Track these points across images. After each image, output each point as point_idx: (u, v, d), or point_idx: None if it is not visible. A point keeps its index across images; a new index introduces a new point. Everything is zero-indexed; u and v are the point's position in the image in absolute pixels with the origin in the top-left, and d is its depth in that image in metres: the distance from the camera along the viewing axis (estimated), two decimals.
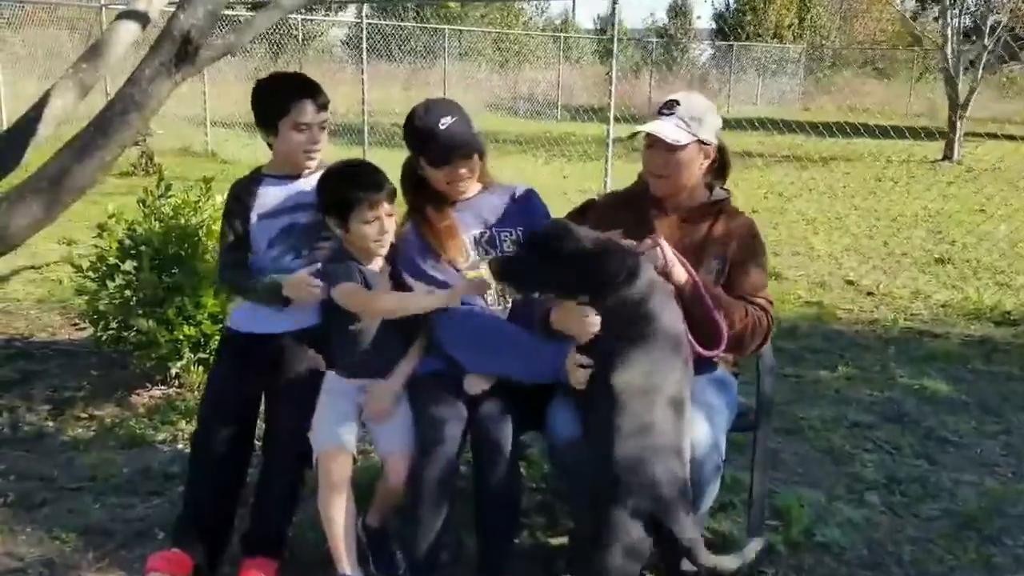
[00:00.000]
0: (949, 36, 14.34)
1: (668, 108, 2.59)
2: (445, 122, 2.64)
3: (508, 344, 2.60)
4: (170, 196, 4.13)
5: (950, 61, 14.24)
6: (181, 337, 3.81)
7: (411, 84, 19.66)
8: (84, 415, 3.86)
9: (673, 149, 2.55)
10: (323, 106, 2.79)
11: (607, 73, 7.96)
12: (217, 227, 3.98)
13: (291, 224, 2.81)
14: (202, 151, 13.59)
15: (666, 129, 2.54)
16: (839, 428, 3.99)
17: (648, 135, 2.57)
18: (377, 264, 2.67)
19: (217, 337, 3.90)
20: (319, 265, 2.72)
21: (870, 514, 3.22)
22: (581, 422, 2.45)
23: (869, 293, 6.42)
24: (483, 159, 2.76)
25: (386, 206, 2.61)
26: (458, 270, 2.68)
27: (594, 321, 2.35)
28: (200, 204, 4.11)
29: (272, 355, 2.74)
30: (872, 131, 10.02)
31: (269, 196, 2.82)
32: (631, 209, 2.71)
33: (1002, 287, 6.57)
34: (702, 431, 2.45)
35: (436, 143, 2.64)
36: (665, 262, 2.45)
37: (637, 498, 2.20)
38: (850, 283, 6.66)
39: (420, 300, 2.61)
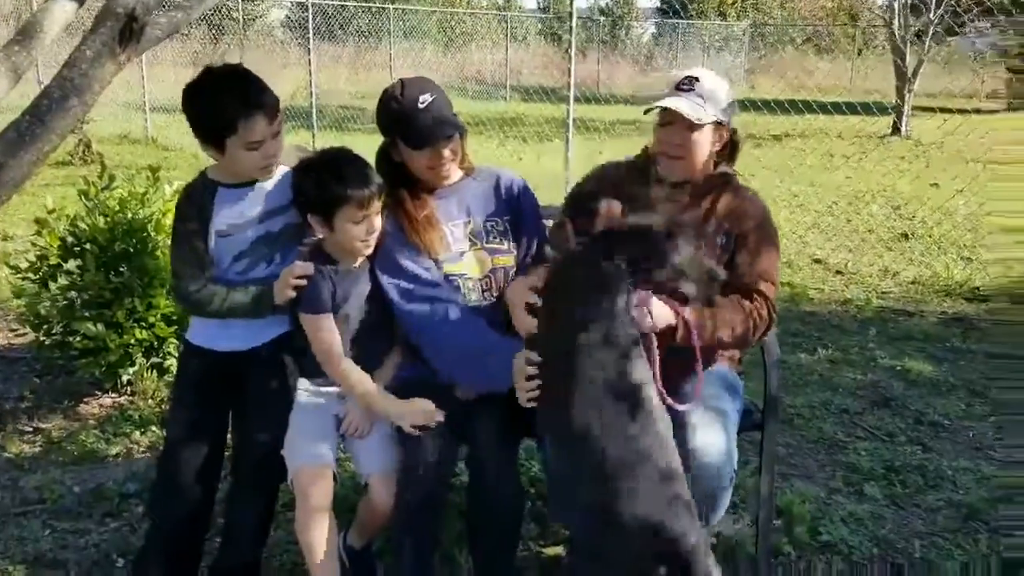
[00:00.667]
0: (896, 9, 14.39)
1: (687, 84, 2.40)
2: (424, 100, 2.40)
3: (495, 355, 2.33)
4: (114, 188, 3.82)
5: (897, 35, 14.30)
6: (132, 341, 3.52)
7: (357, 66, 19.24)
8: (28, 428, 3.55)
9: (692, 128, 2.37)
10: (276, 113, 2.33)
11: (566, 50, 7.73)
12: (167, 220, 3.71)
13: (264, 235, 2.44)
14: (142, 138, 13.08)
15: (686, 107, 2.35)
16: (828, 416, 3.87)
17: (666, 111, 2.38)
18: (359, 261, 2.42)
19: (172, 341, 3.63)
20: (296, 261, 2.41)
21: (873, 508, 3.09)
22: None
23: (838, 272, 6.33)
24: (463, 140, 2.53)
25: (376, 203, 2.34)
26: (439, 263, 2.45)
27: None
28: (148, 196, 3.81)
29: (239, 370, 2.45)
30: (822, 107, 10.02)
31: (231, 209, 2.41)
32: (632, 182, 2.50)
33: (968, 262, 6.53)
34: (717, 441, 2.27)
35: (417, 123, 2.40)
36: (652, 323, 2.20)
37: (629, 535, 1.93)
38: (818, 262, 6.57)
39: (368, 388, 2.35)
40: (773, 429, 2.62)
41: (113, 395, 3.79)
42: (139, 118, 13.42)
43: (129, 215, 3.68)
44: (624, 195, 2.46)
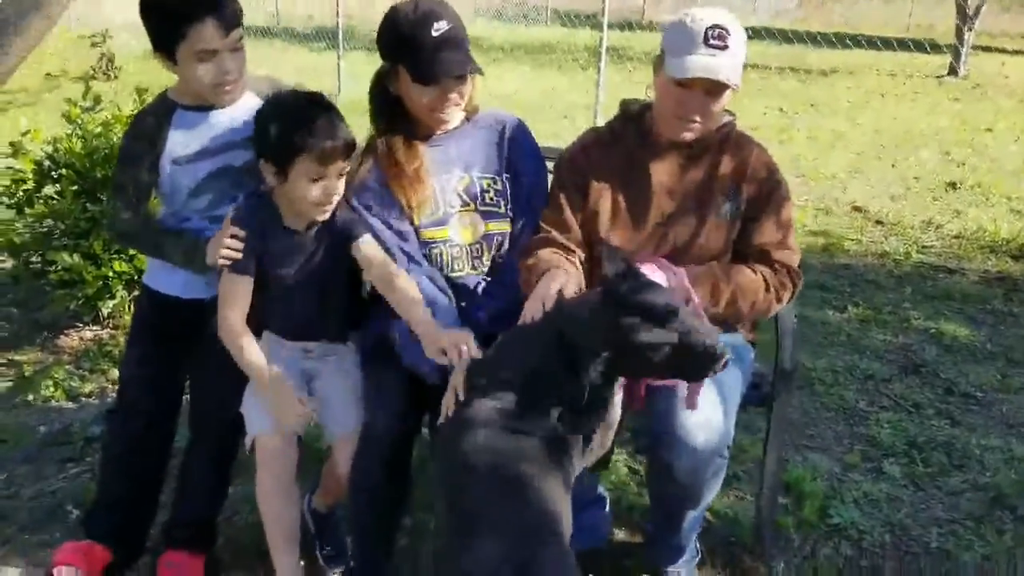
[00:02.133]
0: None
1: (719, 40, 1.99)
2: (440, 28, 2.05)
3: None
4: (100, 110, 3.60)
5: None
6: (111, 274, 3.33)
7: None
8: (2, 361, 3.40)
9: (718, 94, 2.03)
10: (232, 23, 2.06)
11: None
12: None
13: (224, 167, 2.21)
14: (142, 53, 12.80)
15: (727, 70, 1.99)
16: (852, 381, 3.60)
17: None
18: (305, 224, 2.12)
19: None
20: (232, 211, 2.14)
21: (891, 488, 2.84)
22: None
23: (878, 221, 5.96)
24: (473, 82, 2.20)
25: (340, 162, 2.03)
26: (417, 228, 2.18)
27: None
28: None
29: (197, 318, 2.23)
30: (871, 43, 9.38)
31: (188, 133, 2.17)
32: (621, 152, 2.22)
33: (1017, 215, 6.12)
34: (712, 418, 2.00)
35: (427, 53, 2.05)
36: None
37: None
38: (857, 210, 6.20)
39: (258, 370, 2.10)
40: (782, 405, 2.37)
41: (95, 328, 3.63)
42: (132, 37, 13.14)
43: (114, 139, 3.46)
44: (616, 160, 2.21)
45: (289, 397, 2.10)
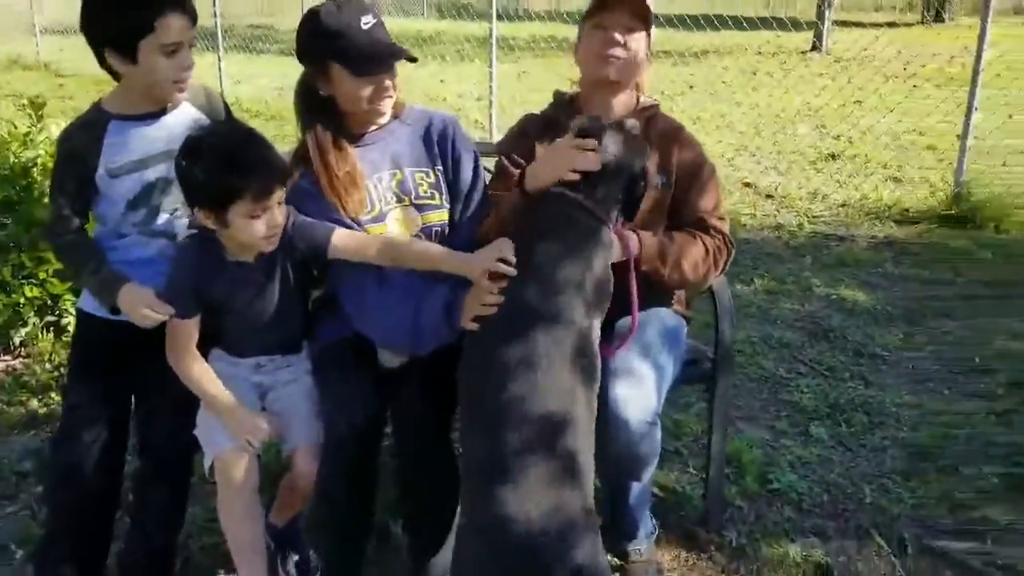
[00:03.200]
0: None
1: None
2: (368, 21, 2.05)
3: (422, 311, 2.08)
4: None
5: None
6: (22, 301, 3.18)
7: None
8: None
9: (633, 28, 2.23)
10: (194, 16, 2.06)
11: None
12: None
13: (161, 177, 2.15)
14: (33, 63, 12.17)
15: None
16: (769, 351, 3.78)
17: (606, 4, 2.22)
18: (253, 255, 2.07)
19: (68, 298, 3.30)
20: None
21: (820, 450, 3.01)
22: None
23: (768, 196, 6.24)
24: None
25: (278, 193, 1.97)
26: (360, 223, 2.17)
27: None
28: (31, 136, 3.41)
29: (140, 340, 2.14)
30: (737, 23, 9.81)
31: (124, 144, 2.10)
32: (558, 131, 2.29)
33: (896, 183, 6.51)
34: (644, 401, 2.10)
35: (362, 45, 2.04)
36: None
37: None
38: (748, 185, 6.47)
39: (218, 394, 2.08)
40: (726, 383, 2.48)
41: (6, 358, 3.46)
42: (29, 41, 12.47)
43: (10, 159, 3.29)
44: (551, 140, 2.28)
45: (248, 417, 2.08)
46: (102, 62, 2.05)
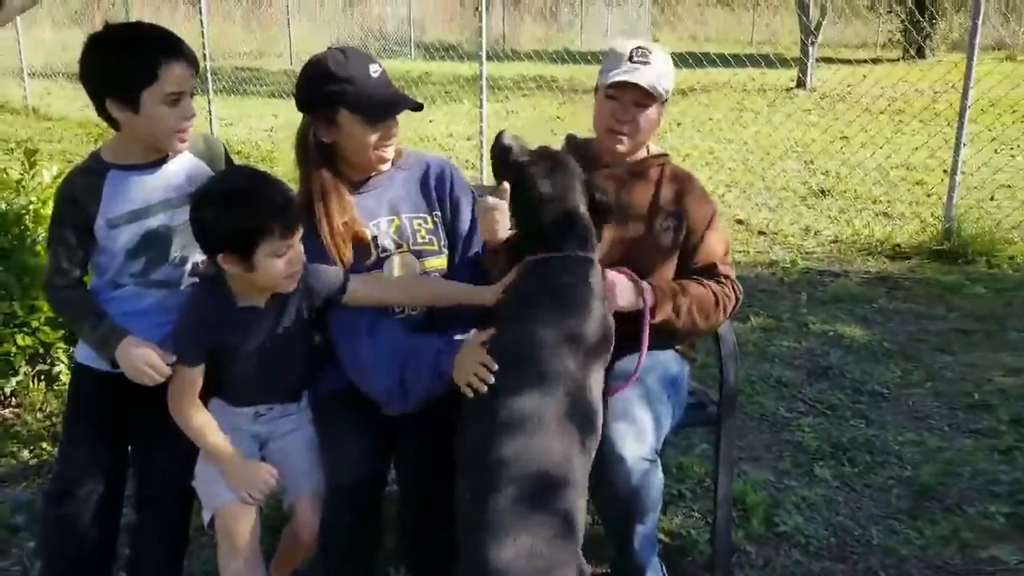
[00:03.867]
0: None
1: (642, 57, 2.25)
2: (376, 70, 2.11)
3: (410, 362, 2.07)
4: None
5: None
6: (14, 350, 3.13)
7: (251, 22, 18.37)
8: None
9: (646, 104, 2.26)
10: (196, 65, 2.04)
11: (475, 9, 7.36)
12: (47, 211, 3.31)
13: (161, 226, 2.10)
14: (20, 107, 12.16)
15: (649, 78, 2.23)
16: (768, 389, 3.76)
17: (620, 84, 2.23)
18: (264, 299, 2.06)
19: (60, 347, 3.25)
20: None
21: (825, 492, 2.98)
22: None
23: (760, 232, 6.26)
24: None
25: (299, 229, 1.98)
26: (359, 271, 2.16)
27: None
28: (23, 183, 3.39)
29: (138, 393, 2.08)
30: (724, 60, 9.92)
31: (124, 193, 2.06)
32: None
33: (886, 218, 6.54)
34: (641, 437, 2.09)
35: (372, 93, 2.09)
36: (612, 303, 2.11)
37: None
38: (740, 222, 6.49)
39: (220, 445, 2.04)
40: (731, 427, 2.45)
41: None
42: (16, 86, 12.48)
43: (2, 206, 3.26)
44: None
45: (251, 469, 2.04)
46: (101, 111, 2.02)
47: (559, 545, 1.74)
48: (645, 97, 2.25)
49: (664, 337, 2.25)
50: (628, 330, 2.09)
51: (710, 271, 2.31)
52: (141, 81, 1.95)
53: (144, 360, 1.98)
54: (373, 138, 2.12)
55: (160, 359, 1.99)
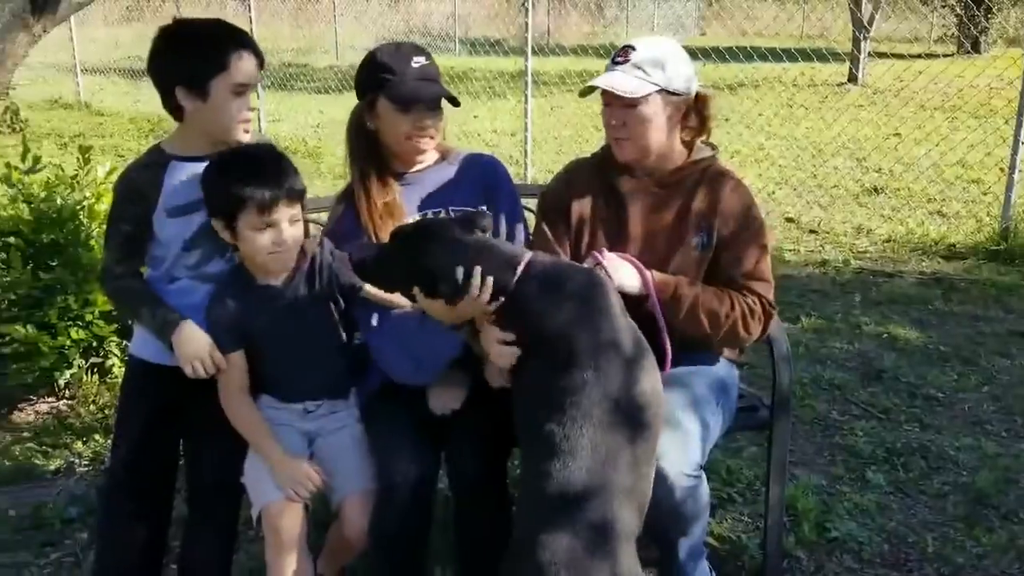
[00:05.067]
0: None
1: (622, 56, 2.13)
2: (419, 61, 2.17)
3: (427, 334, 2.09)
4: (39, 170, 3.44)
5: None
6: (68, 343, 3.18)
7: (299, 19, 18.53)
8: None
9: (632, 104, 2.10)
10: (262, 59, 2.09)
11: (522, 4, 7.35)
12: (101, 206, 3.37)
13: None
14: (74, 102, 12.41)
15: (619, 80, 2.09)
16: (820, 392, 3.69)
17: (592, 89, 2.15)
18: (281, 278, 2.10)
19: (113, 340, 3.30)
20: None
21: (878, 497, 2.91)
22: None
23: (811, 231, 6.16)
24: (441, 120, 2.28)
25: (284, 209, 2.00)
26: None
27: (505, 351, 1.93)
28: (78, 179, 3.44)
29: (190, 385, 2.10)
30: (774, 54, 9.72)
31: (184, 184, 2.08)
32: (600, 176, 2.28)
33: (941, 217, 6.40)
34: (685, 452, 2.01)
35: (407, 80, 2.15)
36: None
37: None
38: (790, 220, 6.39)
39: (268, 441, 2.08)
40: (783, 432, 2.39)
41: (50, 400, 3.46)
42: (70, 81, 12.73)
43: (57, 201, 3.31)
44: (597, 192, 2.27)
45: (298, 467, 2.05)
46: (168, 101, 2.06)
47: (598, 553, 1.70)
48: (633, 99, 2.09)
49: (703, 344, 2.18)
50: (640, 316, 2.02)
51: (731, 283, 2.17)
52: (212, 70, 2.00)
53: (200, 351, 2.01)
54: (406, 127, 2.19)
55: (213, 353, 2.02)
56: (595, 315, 1.86)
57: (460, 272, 1.87)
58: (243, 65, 2.02)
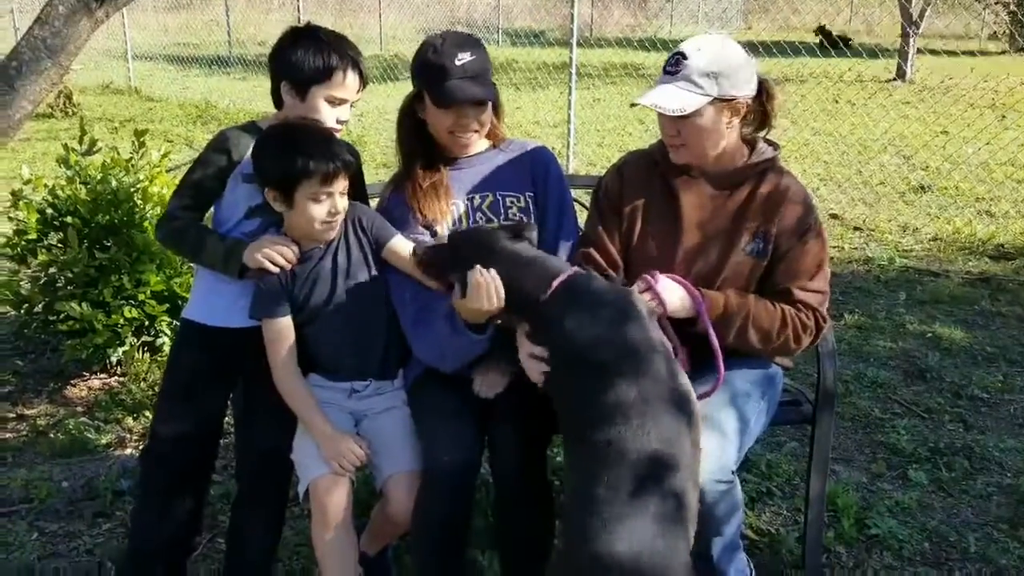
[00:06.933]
0: None
1: (673, 66, 2.08)
2: (462, 58, 2.18)
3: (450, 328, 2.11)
4: (96, 152, 3.53)
5: None
6: (121, 321, 3.26)
7: (344, 9, 18.65)
8: (11, 415, 3.31)
9: (684, 116, 2.06)
10: (365, 82, 2.23)
11: None
12: (155, 189, 3.44)
13: None
14: (125, 87, 12.63)
15: (666, 98, 2.05)
16: (862, 389, 3.66)
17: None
18: (324, 245, 2.19)
19: (164, 318, 3.37)
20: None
21: (920, 495, 2.89)
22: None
23: (856, 228, 6.10)
24: (498, 113, 2.35)
25: (341, 182, 2.10)
26: (434, 234, 2.24)
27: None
28: (133, 162, 3.52)
29: (243, 354, 2.19)
30: (823, 49, 9.58)
31: None
32: (657, 174, 2.25)
33: (989, 216, 6.30)
34: (719, 458, 1.97)
35: (446, 80, 2.17)
36: (663, 307, 2.02)
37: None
38: (835, 217, 6.33)
39: (308, 413, 2.14)
40: (826, 426, 2.39)
41: (102, 376, 3.55)
42: (121, 67, 12.96)
43: (113, 183, 3.39)
44: (651, 186, 2.26)
45: (342, 440, 2.09)
46: (274, 90, 2.21)
47: (669, 532, 1.69)
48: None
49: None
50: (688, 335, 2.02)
51: (784, 295, 2.13)
52: (316, 77, 2.13)
53: (267, 244, 2.11)
54: (448, 123, 2.23)
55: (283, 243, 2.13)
56: (626, 327, 1.87)
57: (470, 275, 1.94)
58: (343, 81, 2.16)
